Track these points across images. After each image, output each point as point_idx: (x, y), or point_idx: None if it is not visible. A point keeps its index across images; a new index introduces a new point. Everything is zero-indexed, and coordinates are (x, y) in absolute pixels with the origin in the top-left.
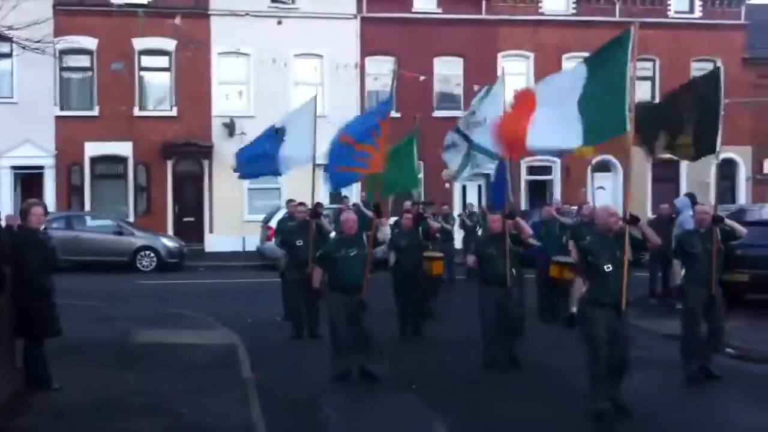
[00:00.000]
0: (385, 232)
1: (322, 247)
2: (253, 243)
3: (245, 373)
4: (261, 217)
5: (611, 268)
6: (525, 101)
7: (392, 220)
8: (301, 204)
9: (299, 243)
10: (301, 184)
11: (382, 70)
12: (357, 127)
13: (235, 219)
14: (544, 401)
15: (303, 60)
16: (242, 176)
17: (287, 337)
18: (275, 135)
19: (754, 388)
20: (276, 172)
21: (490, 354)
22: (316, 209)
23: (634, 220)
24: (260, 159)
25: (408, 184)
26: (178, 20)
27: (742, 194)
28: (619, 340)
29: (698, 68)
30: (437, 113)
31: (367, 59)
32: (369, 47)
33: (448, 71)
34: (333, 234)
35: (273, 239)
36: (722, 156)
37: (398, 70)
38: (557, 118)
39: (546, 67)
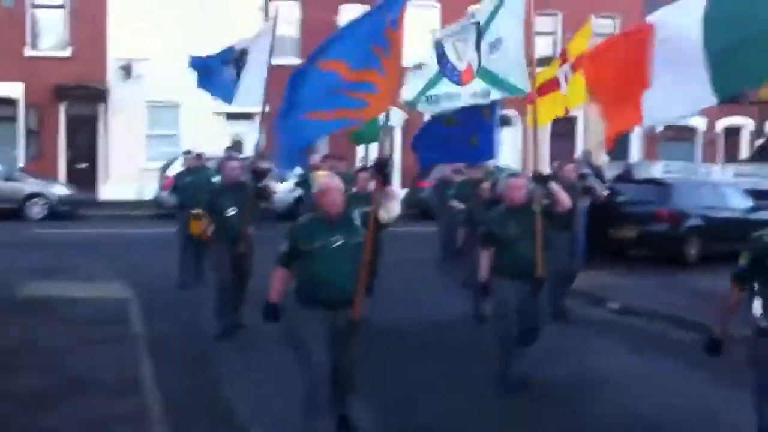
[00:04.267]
0: (393, 209)
1: (287, 237)
2: (151, 192)
3: (137, 328)
4: (159, 164)
5: None
6: (633, 48)
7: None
8: (231, 158)
9: (231, 211)
10: (201, 131)
11: (288, 16)
12: (351, 44)
13: (132, 167)
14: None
15: (205, 2)
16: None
17: (181, 290)
18: (230, 57)
19: (637, 339)
20: (227, 98)
21: (511, 370)
22: (258, 166)
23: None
24: (217, 79)
25: (372, 135)
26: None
27: (635, 152)
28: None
29: (599, 24)
30: None
31: (271, 2)
32: None
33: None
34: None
35: (169, 192)
36: None
37: None
38: (675, 79)
39: (453, 16)
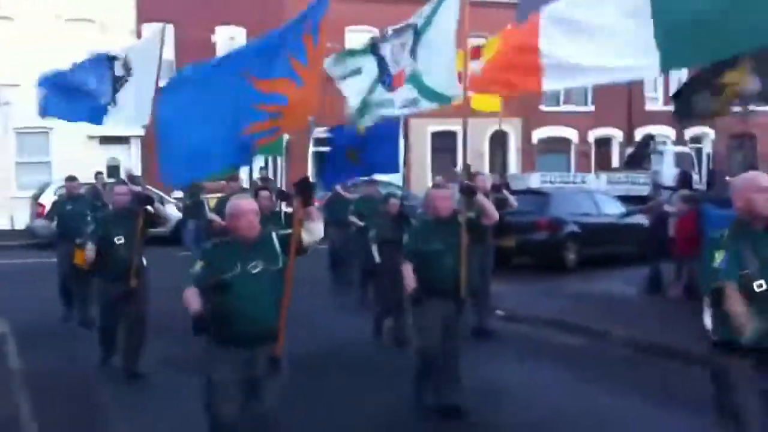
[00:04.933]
0: (316, 231)
1: (202, 258)
2: (23, 221)
3: (15, 363)
4: (30, 192)
5: None
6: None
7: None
8: (119, 182)
9: (119, 240)
10: (74, 157)
11: (235, 43)
12: (261, 53)
13: (1, 196)
14: None
15: (73, 24)
16: (46, 114)
17: (61, 322)
18: (108, 64)
19: (522, 346)
20: (96, 118)
21: (423, 393)
22: (142, 193)
23: None
24: (78, 95)
25: (274, 147)
26: None
27: (513, 164)
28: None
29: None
30: None
31: (144, 26)
32: (146, 13)
33: (230, 42)
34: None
35: (47, 220)
36: (495, 128)
37: None
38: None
39: (327, 38)
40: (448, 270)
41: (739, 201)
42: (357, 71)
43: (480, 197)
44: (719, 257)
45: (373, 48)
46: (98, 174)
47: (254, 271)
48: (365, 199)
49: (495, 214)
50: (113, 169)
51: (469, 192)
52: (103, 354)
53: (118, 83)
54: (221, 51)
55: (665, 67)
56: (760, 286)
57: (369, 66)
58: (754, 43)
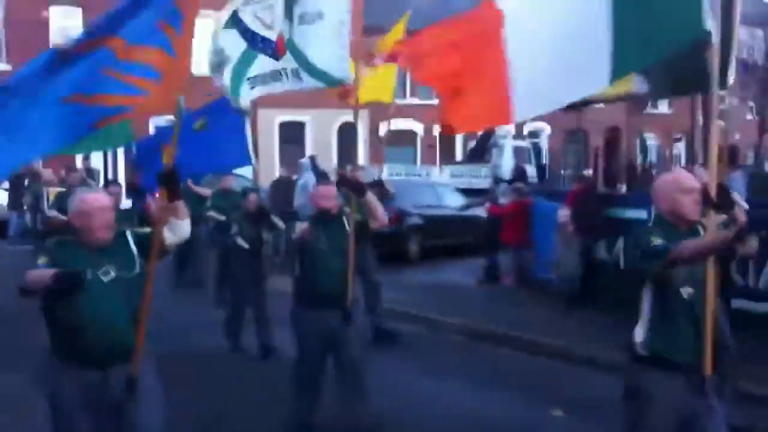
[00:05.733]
0: (183, 229)
1: (45, 254)
2: None
3: None
4: None
5: None
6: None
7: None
8: None
9: None
10: None
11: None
12: (129, 15)
13: None
14: None
15: None
16: None
17: None
18: None
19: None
20: None
21: (301, 416)
22: None
23: None
24: None
25: (123, 134)
26: None
27: (361, 156)
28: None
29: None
30: None
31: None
32: None
33: (63, 22)
34: None
35: None
36: (343, 119)
37: None
38: (566, 59)
39: None
40: (332, 274)
41: (663, 203)
42: (219, 52)
43: (370, 197)
44: (656, 239)
45: (232, 19)
46: None
47: (106, 279)
48: (222, 192)
49: (385, 217)
50: None
51: (358, 190)
52: None
53: None
54: (54, 29)
55: (613, 79)
56: (690, 293)
57: (231, 41)
58: (678, 44)
